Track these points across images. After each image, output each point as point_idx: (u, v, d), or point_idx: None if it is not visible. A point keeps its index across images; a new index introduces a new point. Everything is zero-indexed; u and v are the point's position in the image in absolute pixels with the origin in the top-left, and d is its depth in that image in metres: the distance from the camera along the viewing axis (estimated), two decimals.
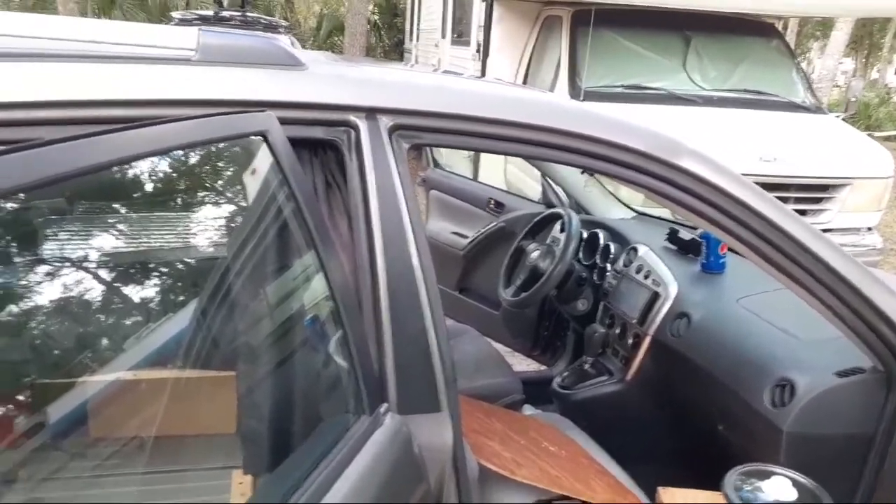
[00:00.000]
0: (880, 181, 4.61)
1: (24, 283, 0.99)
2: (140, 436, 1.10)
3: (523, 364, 3.07)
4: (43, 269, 1.07)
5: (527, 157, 2.25)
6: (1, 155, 0.66)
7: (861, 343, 1.42)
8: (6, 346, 0.98)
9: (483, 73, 5.88)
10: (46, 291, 1.04)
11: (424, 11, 10.33)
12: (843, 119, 5.65)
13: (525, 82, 5.78)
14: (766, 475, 1.46)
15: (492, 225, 2.88)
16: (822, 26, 19.98)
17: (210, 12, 10.41)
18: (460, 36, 7.52)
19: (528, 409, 2.16)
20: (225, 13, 10.17)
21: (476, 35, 6.43)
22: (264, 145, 0.95)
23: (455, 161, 5.48)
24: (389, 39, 15.79)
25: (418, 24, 10.90)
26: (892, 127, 14.72)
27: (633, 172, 1.29)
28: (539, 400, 2.31)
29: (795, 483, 1.44)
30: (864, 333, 1.40)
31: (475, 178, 4.84)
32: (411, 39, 11.68)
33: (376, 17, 15.84)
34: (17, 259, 0.99)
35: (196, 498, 1.13)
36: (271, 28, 9.59)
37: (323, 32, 14.98)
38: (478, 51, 6.24)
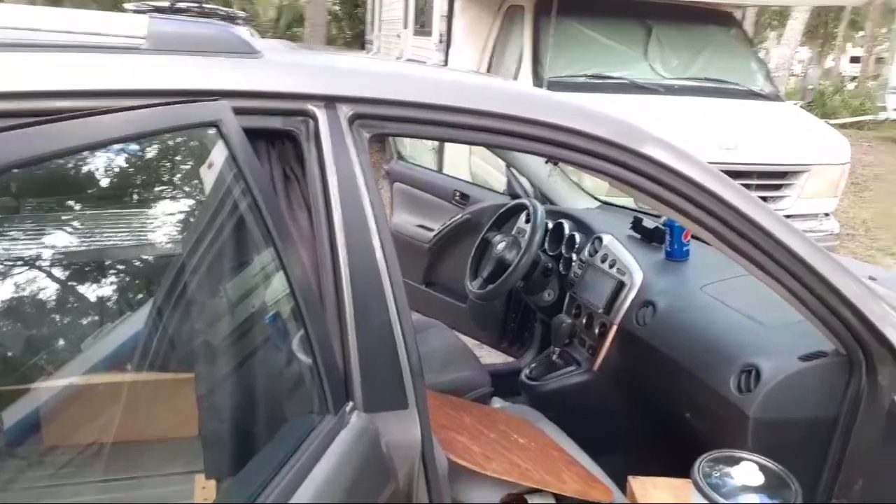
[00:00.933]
0: (837, 167, 4.71)
1: None
2: (98, 442, 1.06)
3: (491, 356, 3.06)
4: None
5: (490, 146, 2.23)
6: None
7: (823, 327, 1.43)
8: None
9: (446, 64, 5.85)
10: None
11: (386, 2, 10.24)
12: (801, 107, 5.76)
13: (489, 72, 5.76)
14: (734, 461, 1.47)
15: (457, 217, 2.85)
16: (779, 16, 20.37)
17: (165, 3, 10.16)
18: (423, 26, 7.47)
19: (496, 402, 2.15)
20: (181, 4, 9.93)
21: (439, 25, 6.39)
22: (219, 137, 0.91)
23: (419, 152, 5.46)
24: (351, 30, 15.64)
25: (380, 15, 10.81)
26: (847, 114, 15.10)
27: (596, 160, 1.28)
28: (508, 392, 2.30)
29: (763, 468, 1.45)
30: (827, 317, 1.41)
31: (440, 170, 4.82)
32: (373, 30, 11.59)
33: (337, 8, 15.68)
34: None
35: None
36: (229, 19, 9.39)
37: (283, 23, 14.78)
38: (441, 41, 6.21)
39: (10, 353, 1.08)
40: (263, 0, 16.98)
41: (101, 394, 1.11)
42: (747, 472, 1.44)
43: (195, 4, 10.07)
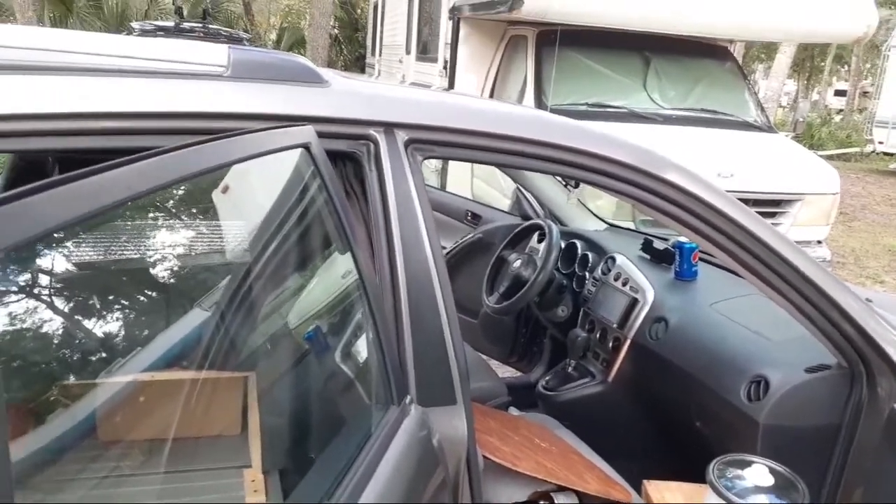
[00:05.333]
0: (829, 197, 4.89)
1: (50, 285, 1.02)
2: (154, 438, 1.13)
3: (499, 371, 3.16)
4: (79, 273, 1.10)
5: (529, 170, 2.36)
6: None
7: (827, 341, 1.56)
8: (26, 349, 1.00)
9: (451, 88, 6.01)
10: (78, 295, 1.07)
11: (387, 27, 10.42)
12: (791, 138, 5.95)
13: (491, 98, 5.92)
14: (745, 464, 1.58)
15: (470, 236, 2.97)
16: (767, 49, 20.81)
17: (170, 23, 10.32)
18: (425, 52, 7.64)
19: (514, 411, 2.25)
20: (186, 24, 10.10)
21: (443, 52, 6.56)
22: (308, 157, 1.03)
23: (425, 173, 5.58)
24: (350, 54, 15.87)
25: (381, 39, 10.99)
26: (834, 146, 15.44)
27: (624, 185, 1.41)
28: (521, 403, 2.40)
29: (772, 470, 1.56)
30: (830, 332, 1.53)
31: (443, 190, 4.94)
32: (373, 54, 11.76)
33: (337, 31, 15.90)
34: (44, 261, 1.02)
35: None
36: (233, 40, 9.56)
37: (284, 46, 14.98)
38: (444, 67, 6.37)
39: (87, 354, 1.16)
40: (264, 22, 17.22)
41: (160, 391, 1.19)
42: (758, 473, 1.55)
43: (199, 25, 10.25)
